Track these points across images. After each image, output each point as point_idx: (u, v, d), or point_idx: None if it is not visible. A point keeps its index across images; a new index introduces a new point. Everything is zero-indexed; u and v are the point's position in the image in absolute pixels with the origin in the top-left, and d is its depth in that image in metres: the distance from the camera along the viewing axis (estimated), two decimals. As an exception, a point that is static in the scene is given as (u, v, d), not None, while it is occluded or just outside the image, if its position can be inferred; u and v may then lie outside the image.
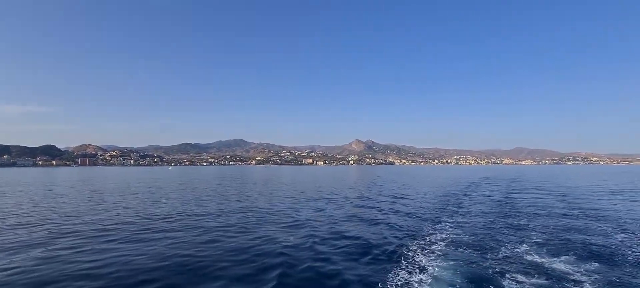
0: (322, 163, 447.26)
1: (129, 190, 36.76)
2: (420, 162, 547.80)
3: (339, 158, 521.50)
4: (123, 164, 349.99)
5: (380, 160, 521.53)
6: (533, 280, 8.43)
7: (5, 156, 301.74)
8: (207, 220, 17.17)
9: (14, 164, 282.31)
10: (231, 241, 12.71)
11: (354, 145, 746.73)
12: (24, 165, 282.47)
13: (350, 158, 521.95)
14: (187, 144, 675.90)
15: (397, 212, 20.06)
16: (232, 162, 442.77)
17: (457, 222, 16.35)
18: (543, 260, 10.12)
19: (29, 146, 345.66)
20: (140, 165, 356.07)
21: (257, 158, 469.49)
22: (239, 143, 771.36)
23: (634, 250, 11.24)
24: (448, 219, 17.24)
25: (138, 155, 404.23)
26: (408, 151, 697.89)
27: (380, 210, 21.08)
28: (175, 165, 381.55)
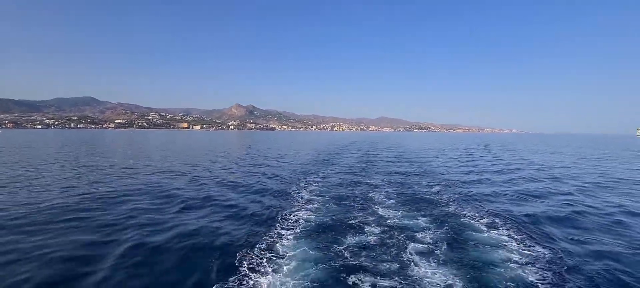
0: (199, 127, 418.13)
1: None
2: (300, 127, 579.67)
3: (218, 123, 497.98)
4: None
5: (262, 126, 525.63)
6: (374, 200, 14.31)
7: None
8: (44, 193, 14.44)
9: None
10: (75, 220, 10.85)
11: (234, 110, 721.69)
12: None
13: (230, 124, 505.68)
14: (8, 100, 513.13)
15: (276, 175, 20.99)
16: (81, 125, 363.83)
17: (328, 177, 20.63)
18: (378, 184, 18.04)
19: None
20: None
21: (116, 121, 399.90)
22: (89, 101, 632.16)
23: (424, 177, 21.06)
24: (319, 177, 20.55)
25: None
26: (289, 117, 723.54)
27: (261, 173, 21.94)
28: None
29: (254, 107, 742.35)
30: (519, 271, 7.15)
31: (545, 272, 7.15)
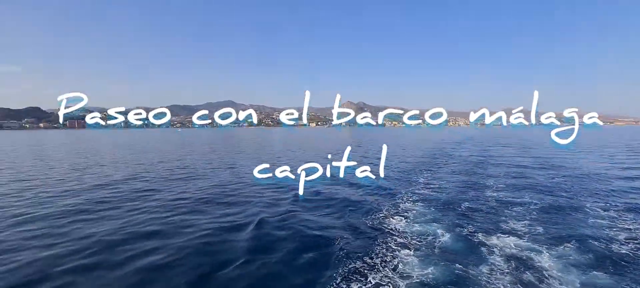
0: (314, 125, 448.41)
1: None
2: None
3: (331, 120, 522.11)
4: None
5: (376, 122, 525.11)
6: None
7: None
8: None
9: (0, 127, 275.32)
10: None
11: (345, 107, 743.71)
12: (10, 128, 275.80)
13: (341, 121, 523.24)
14: (174, 105, 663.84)
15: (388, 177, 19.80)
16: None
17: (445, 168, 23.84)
18: (493, 173, 20.37)
19: (12, 108, 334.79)
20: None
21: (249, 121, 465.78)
22: (229, 104, 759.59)
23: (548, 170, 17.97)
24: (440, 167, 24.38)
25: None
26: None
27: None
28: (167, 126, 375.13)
29: (364, 103, 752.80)
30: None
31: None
